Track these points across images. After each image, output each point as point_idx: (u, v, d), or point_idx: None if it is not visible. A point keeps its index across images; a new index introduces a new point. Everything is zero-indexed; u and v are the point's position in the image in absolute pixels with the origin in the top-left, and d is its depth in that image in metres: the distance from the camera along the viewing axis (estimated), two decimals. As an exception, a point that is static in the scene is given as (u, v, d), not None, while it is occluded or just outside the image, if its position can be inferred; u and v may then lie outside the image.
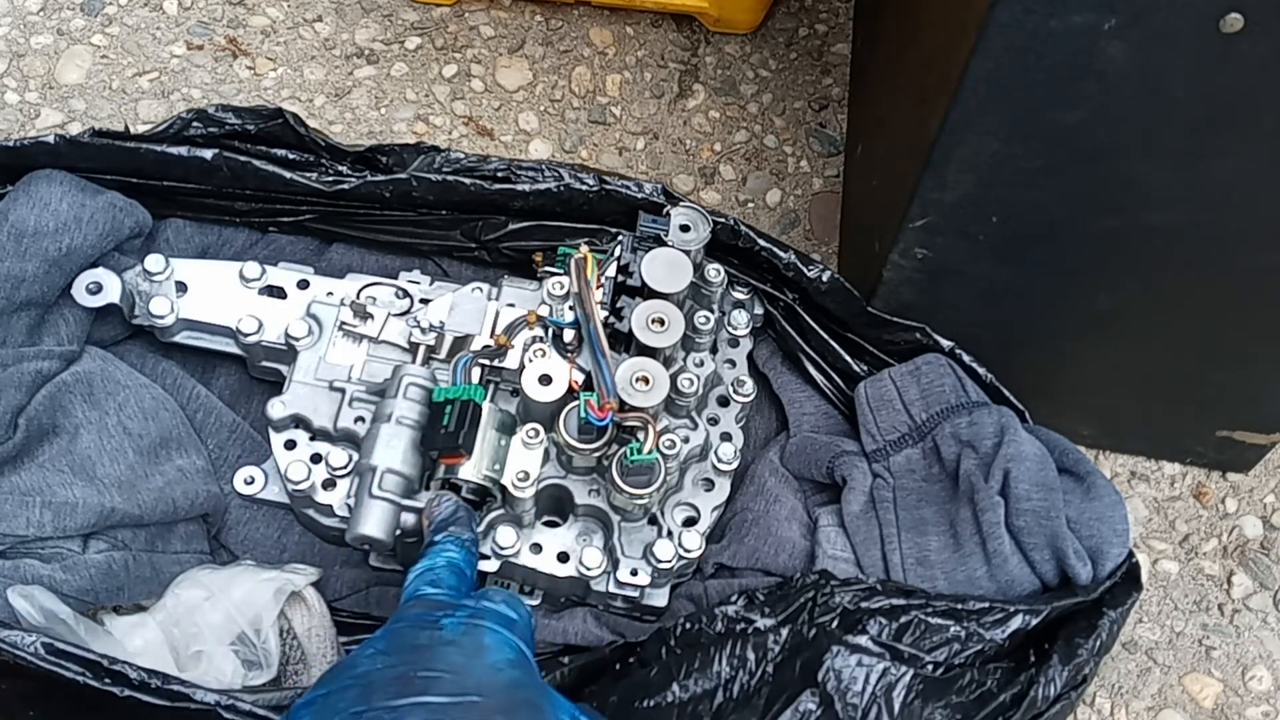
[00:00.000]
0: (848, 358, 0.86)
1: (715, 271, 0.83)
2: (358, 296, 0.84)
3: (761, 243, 0.84)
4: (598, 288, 0.81)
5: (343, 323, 0.83)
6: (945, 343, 0.85)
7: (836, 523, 0.82)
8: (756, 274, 0.87)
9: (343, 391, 0.81)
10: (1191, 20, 0.61)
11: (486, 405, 0.77)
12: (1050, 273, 0.80)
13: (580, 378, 0.78)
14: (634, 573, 0.78)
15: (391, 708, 0.52)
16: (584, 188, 0.84)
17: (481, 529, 0.78)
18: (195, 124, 0.86)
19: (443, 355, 0.82)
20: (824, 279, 0.84)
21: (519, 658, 0.58)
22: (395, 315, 0.84)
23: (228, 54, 1.11)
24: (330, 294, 0.85)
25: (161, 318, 0.83)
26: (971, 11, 0.64)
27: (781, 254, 0.84)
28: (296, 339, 0.82)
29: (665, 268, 0.80)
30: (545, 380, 0.78)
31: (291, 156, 0.87)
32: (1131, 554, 0.78)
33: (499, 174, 0.86)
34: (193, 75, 1.09)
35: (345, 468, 0.79)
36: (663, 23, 1.14)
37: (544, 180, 0.85)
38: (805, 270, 0.84)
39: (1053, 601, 0.75)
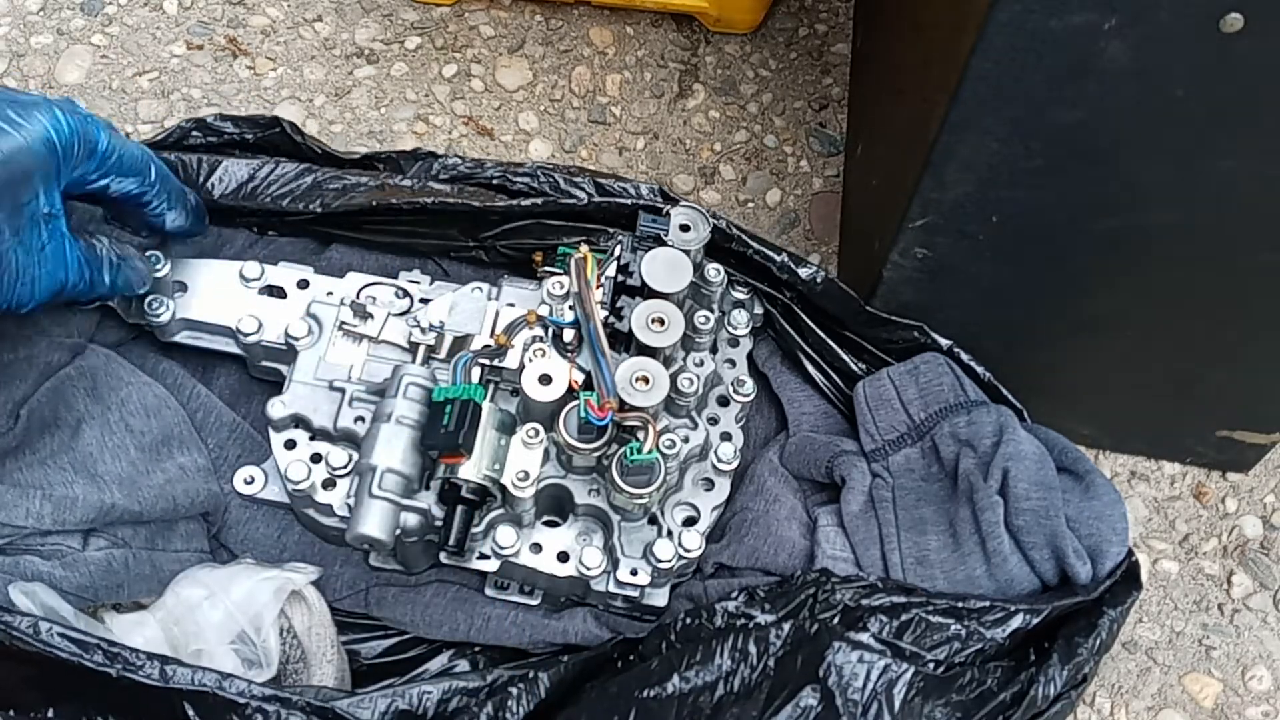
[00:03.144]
0: (846, 357, 0.86)
1: (715, 271, 0.83)
2: (358, 296, 0.84)
3: (754, 245, 0.84)
4: (597, 287, 0.81)
5: (343, 322, 0.83)
6: (944, 341, 0.85)
7: (836, 522, 0.82)
8: (754, 274, 0.87)
9: (343, 391, 0.81)
10: (1191, 20, 0.61)
11: (486, 405, 0.77)
12: (1050, 273, 0.80)
13: (580, 378, 0.78)
14: (634, 572, 0.78)
15: None
16: (574, 201, 0.84)
17: (481, 529, 0.78)
18: (194, 133, 0.87)
19: (443, 355, 0.82)
20: (818, 280, 0.84)
21: None
22: (395, 315, 0.84)
23: (228, 54, 1.11)
24: (330, 294, 0.85)
25: (161, 317, 0.83)
26: (971, 11, 0.64)
27: (775, 256, 0.84)
28: (296, 339, 0.82)
29: (665, 267, 0.80)
30: (545, 380, 0.78)
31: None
32: (1131, 553, 0.78)
33: (494, 181, 0.86)
34: (193, 75, 1.09)
35: (345, 467, 0.79)
36: (663, 23, 1.15)
37: (535, 194, 0.85)
38: (799, 272, 0.84)
39: (1053, 601, 0.75)
